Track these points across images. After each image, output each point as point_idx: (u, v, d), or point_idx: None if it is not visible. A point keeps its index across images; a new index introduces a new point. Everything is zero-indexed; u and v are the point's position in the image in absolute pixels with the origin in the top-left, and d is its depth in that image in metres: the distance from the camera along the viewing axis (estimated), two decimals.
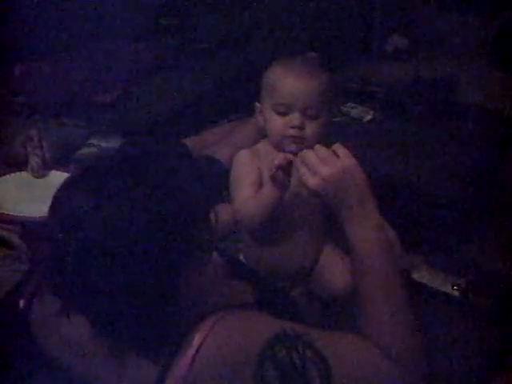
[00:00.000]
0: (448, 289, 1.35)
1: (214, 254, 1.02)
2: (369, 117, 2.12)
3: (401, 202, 1.62)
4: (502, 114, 2.15)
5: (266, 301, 1.07)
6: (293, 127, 1.27)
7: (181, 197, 0.91)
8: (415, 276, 1.37)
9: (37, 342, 1.03)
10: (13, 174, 1.57)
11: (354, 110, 2.14)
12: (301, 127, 1.27)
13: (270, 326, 0.93)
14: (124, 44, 2.25)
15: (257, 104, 1.35)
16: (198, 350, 0.89)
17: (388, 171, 1.79)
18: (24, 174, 1.57)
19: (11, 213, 1.42)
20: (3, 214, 1.42)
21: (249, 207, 1.28)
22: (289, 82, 1.28)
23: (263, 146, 1.36)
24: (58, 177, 1.51)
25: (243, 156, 1.34)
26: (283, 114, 1.28)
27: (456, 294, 1.34)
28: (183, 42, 2.38)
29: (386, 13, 2.73)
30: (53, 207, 0.91)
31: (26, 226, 1.39)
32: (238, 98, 2.07)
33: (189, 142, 1.72)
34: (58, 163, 1.70)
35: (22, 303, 1.06)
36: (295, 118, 1.27)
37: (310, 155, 1.03)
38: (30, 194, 1.49)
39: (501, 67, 2.45)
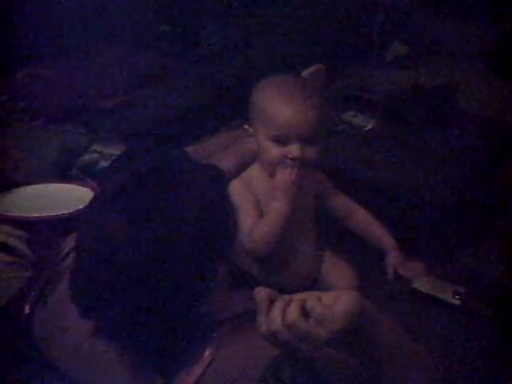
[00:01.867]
0: (449, 297, 1.35)
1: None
2: (370, 125, 2.12)
3: (401, 210, 1.62)
4: (503, 121, 2.15)
5: None
6: (293, 158, 1.25)
7: (209, 213, 0.91)
8: (415, 285, 1.37)
9: (38, 347, 1.04)
10: (21, 188, 1.55)
11: (355, 119, 2.14)
12: (300, 157, 1.25)
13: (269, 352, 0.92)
14: (125, 50, 2.25)
15: (247, 128, 1.33)
16: (208, 366, 0.90)
17: (389, 179, 1.80)
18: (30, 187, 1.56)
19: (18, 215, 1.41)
20: (10, 216, 1.40)
21: (261, 231, 1.27)
22: (287, 113, 1.24)
23: (255, 172, 1.35)
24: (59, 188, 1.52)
25: (236, 186, 1.32)
26: (280, 143, 1.26)
27: (457, 302, 1.34)
28: (184, 48, 2.38)
29: (386, 20, 2.73)
30: (83, 227, 0.91)
31: (33, 229, 1.38)
32: (240, 105, 2.07)
33: (190, 150, 1.72)
34: (60, 170, 1.71)
35: (27, 309, 1.07)
36: (295, 148, 1.25)
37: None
38: (37, 204, 1.49)
39: (501, 74, 2.45)
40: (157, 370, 0.93)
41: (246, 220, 1.28)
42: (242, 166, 1.41)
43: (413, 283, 1.37)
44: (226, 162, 1.68)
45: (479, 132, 2.03)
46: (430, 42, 2.75)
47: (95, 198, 0.95)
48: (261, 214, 1.29)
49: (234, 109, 2.12)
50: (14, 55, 1.98)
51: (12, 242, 1.34)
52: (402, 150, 1.93)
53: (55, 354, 1.01)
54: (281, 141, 1.26)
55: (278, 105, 1.26)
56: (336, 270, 1.37)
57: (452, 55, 2.63)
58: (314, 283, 1.36)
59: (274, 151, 1.27)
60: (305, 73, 1.71)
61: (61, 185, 1.58)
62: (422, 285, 1.37)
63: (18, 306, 1.12)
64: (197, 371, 0.90)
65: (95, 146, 1.83)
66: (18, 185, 1.54)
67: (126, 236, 0.85)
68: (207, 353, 0.91)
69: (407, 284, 1.38)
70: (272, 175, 1.29)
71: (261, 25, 2.48)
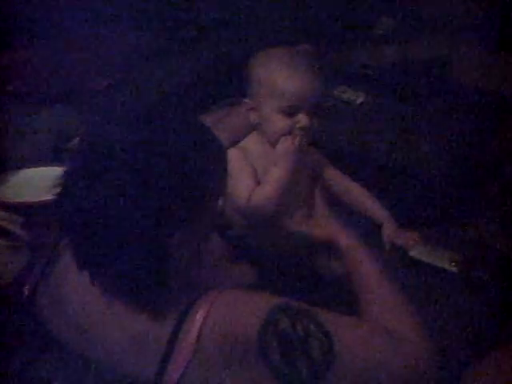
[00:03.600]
0: (446, 264, 1.36)
1: (217, 238, 1.03)
2: (360, 99, 2.12)
3: (397, 181, 1.63)
4: (493, 91, 2.16)
5: (270, 282, 1.09)
6: (301, 128, 1.29)
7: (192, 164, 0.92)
8: (412, 253, 1.38)
9: (41, 327, 1.04)
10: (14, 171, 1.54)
11: (346, 94, 2.14)
12: (309, 126, 1.30)
13: (273, 299, 0.94)
14: (117, 31, 2.23)
15: (246, 101, 1.36)
16: (201, 327, 0.90)
17: (382, 152, 1.81)
18: (22, 171, 1.55)
19: (14, 200, 1.40)
20: (6, 201, 1.40)
21: (263, 192, 1.29)
22: (297, 84, 1.29)
23: (253, 143, 1.37)
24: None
25: (234, 154, 1.34)
26: (289, 115, 1.30)
27: (454, 269, 1.35)
28: (176, 28, 2.37)
29: None
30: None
31: (28, 212, 1.38)
32: (233, 82, 2.07)
33: None
34: (52, 153, 1.70)
35: (26, 291, 1.07)
36: (304, 118, 1.30)
37: None
38: (30, 187, 1.48)
39: (491, 45, 2.45)
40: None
41: (246, 183, 1.30)
42: (235, 141, 1.42)
43: (410, 252, 1.38)
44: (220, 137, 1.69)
45: (470, 102, 2.04)
46: (418, 16, 2.75)
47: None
48: (258, 181, 1.30)
49: (227, 85, 2.12)
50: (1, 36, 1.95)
51: (9, 226, 1.34)
52: (393, 123, 1.95)
53: (59, 331, 1.02)
54: (290, 112, 1.30)
55: (287, 76, 1.29)
56: None
57: (440, 29, 2.62)
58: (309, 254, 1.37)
59: (284, 122, 1.30)
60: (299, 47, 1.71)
61: (53, 168, 1.57)
62: (420, 253, 1.38)
63: (17, 289, 1.12)
64: (198, 322, 0.91)
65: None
66: (9, 169, 1.53)
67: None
68: (199, 314, 0.92)
69: (405, 253, 1.39)
70: (275, 146, 1.33)
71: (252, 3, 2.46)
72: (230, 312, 0.92)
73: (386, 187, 1.57)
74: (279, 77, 1.29)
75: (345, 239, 1.13)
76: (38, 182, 1.50)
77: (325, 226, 1.20)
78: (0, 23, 1.91)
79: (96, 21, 2.15)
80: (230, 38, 2.33)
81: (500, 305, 1.29)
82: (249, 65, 1.35)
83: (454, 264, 1.36)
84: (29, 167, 1.55)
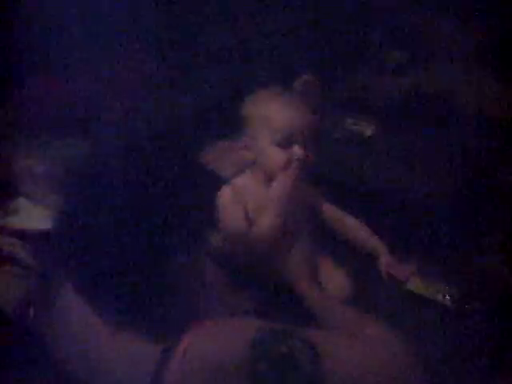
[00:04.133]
0: (440, 298, 1.37)
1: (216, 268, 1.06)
2: (370, 131, 2.15)
3: (397, 212, 1.64)
4: (503, 120, 2.17)
5: (266, 307, 1.12)
6: (297, 159, 1.36)
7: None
8: (409, 286, 1.40)
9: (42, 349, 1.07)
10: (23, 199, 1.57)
11: (355, 126, 2.17)
12: (304, 156, 1.36)
13: (255, 327, 0.98)
14: (128, 58, 2.28)
15: (245, 139, 1.43)
16: (185, 351, 0.94)
17: (387, 182, 1.83)
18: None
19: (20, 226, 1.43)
20: (13, 228, 1.43)
21: (265, 222, 1.33)
22: (290, 116, 1.38)
23: (246, 180, 1.42)
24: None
25: (225, 193, 1.39)
26: (284, 147, 1.37)
27: (448, 303, 1.36)
28: (187, 56, 2.41)
29: (385, 27, 2.75)
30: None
31: (39, 239, 1.41)
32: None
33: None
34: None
35: (31, 312, 1.11)
36: (299, 150, 1.37)
37: None
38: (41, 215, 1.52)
39: (500, 74, 2.46)
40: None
41: (240, 215, 1.34)
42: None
43: (407, 285, 1.40)
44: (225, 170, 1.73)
45: (478, 132, 2.05)
46: (429, 47, 2.77)
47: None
48: (248, 217, 1.34)
49: (235, 118, 2.16)
50: (17, 66, 2.01)
51: (18, 253, 1.38)
52: (401, 156, 1.96)
53: (60, 354, 1.05)
54: (285, 144, 1.37)
55: (279, 109, 1.39)
56: (331, 276, 1.40)
57: (451, 60, 2.64)
58: None
59: (279, 155, 1.38)
60: (296, 83, 1.75)
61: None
62: (416, 286, 1.39)
63: (22, 314, 1.16)
64: (183, 345, 0.94)
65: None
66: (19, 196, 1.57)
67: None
68: (195, 327, 0.96)
69: (402, 286, 1.40)
70: (271, 181, 1.37)
71: (259, 28, 2.50)
72: (212, 341, 0.96)
73: (386, 219, 1.59)
74: (272, 110, 1.38)
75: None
76: (44, 209, 1.54)
77: None
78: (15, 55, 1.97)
79: (106, 49, 2.20)
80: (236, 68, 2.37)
81: (496, 337, 1.30)
82: (243, 106, 1.44)
83: (448, 298, 1.37)
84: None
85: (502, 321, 1.33)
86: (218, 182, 1.34)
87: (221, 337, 0.96)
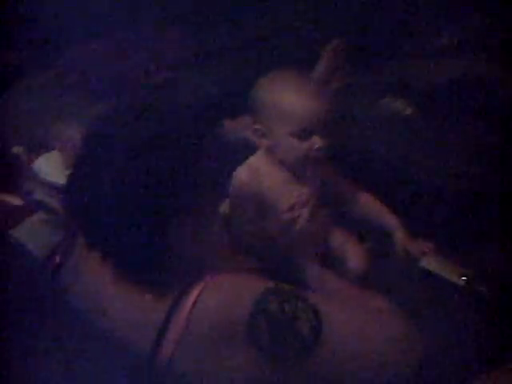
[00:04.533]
0: (455, 278, 1.37)
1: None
2: (407, 112, 2.14)
3: (420, 194, 1.65)
4: None
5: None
6: (317, 149, 1.31)
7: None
8: (423, 263, 1.40)
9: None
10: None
11: (393, 105, 2.16)
12: (325, 147, 1.32)
13: (263, 282, 1.01)
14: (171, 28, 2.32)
15: (257, 127, 1.36)
16: (192, 308, 0.98)
17: (417, 165, 1.83)
18: None
19: (52, 179, 1.49)
20: (45, 179, 1.49)
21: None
22: (305, 108, 1.30)
23: (262, 160, 1.39)
24: None
25: (242, 175, 1.38)
26: (303, 138, 1.31)
27: (462, 283, 1.36)
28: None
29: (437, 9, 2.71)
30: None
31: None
32: None
33: None
34: None
35: (57, 259, 1.17)
36: (318, 141, 1.31)
37: None
38: None
39: None
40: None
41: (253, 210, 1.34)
42: None
43: (421, 262, 1.41)
44: None
45: None
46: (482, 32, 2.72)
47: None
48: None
49: None
50: (66, 31, 2.08)
51: (49, 201, 1.45)
52: (435, 139, 1.96)
53: (76, 301, 1.11)
54: (303, 135, 1.31)
55: (296, 99, 1.30)
56: (346, 247, 1.41)
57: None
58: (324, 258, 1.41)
59: (300, 146, 1.32)
60: (328, 48, 1.74)
61: None
62: (430, 264, 1.39)
63: (51, 259, 1.22)
64: (190, 300, 0.98)
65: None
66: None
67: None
68: (191, 296, 0.99)
69: (416, 263, 1.41)
70: (289, 168, 1.36)
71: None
72: (220, 296, 0.99)
73: (408, 199, 1.60)
74: (288, 101, 1.30)
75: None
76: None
77: None
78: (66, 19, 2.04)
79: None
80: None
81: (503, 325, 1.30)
82: (255, 89, 1.36)
83: (463, 279, 1.37)
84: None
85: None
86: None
87: (228, 294, 1.00)
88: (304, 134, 1.30)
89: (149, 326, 1.01)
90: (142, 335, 1.01)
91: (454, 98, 2.18)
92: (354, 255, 1.40)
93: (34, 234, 1.30)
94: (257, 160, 1.40)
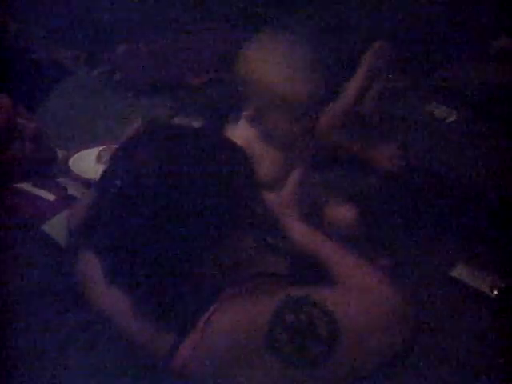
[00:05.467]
0: (486, 289, 1.34)
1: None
2: (452, 118, 2.10)
3: (457, 201, 1.62)
4: None
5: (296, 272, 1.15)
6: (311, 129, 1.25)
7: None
8: (453, 273, 1.38)
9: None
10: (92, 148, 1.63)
11: (438, 110, 2.13)
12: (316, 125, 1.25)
13: (278, 294, 1.00)
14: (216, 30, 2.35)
15: (246, 113, 1.24)
16: (207, 322, 0.98)
17: (454, 170, 1.79)
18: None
19: (86, 176, 1.49)
20: (78, 175, 1.50)
21: None
22: (301, 91, 1.19)
23: (253, 142, 1.27)
24: None
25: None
26: (298, 119, 1.22)
27: (493, 295, 1.33)
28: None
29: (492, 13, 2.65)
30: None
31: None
32: None
33: None
34: None
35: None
36: (313, 120, 1.24)
37: None
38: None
39: None
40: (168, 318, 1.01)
41: None
42: None
43: (451, 271, 1.38)
44: None
45: None
46: None
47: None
48: None
49: None
50: (115, 31, 2.14)
51: (78, 195, 1.47)
52: (478, 146, 1.91)
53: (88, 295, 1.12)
54: (299, 116, 1.22)
55: (291, 84, 1.18)
56: (338, 210, 1.37)
57: None
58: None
59: (294, 129, 1.24)
60: (370, 50, 1.72)
61: None
62: (460, 273, 1.37)
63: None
64: (206, 316, 0.98)
65: (177, 120, 1.95)
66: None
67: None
68: (219, 300, 1.00)
69: (445, 272, 1.39)
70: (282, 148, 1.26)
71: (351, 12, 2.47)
72: (236, 312, 0.99)
73: (445, 207, 1.57)
74: (281, 85, 1.18)
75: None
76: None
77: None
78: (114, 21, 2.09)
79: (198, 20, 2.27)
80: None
81: None
82: (239, 64, 1.22)
83: (495, 290, 1.34)
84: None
85: None
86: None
87: (245, 306, 1.00)
88: (299, 116, 1.21)
89: (164, 336, 1.01)
90: (156, 345, 1.01)
91: (500, 105, 2.14)
92: (346, 210, 1.36)
93: (63, 229, 1.32)
94: (247, 137, 1.26)
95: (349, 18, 2.42)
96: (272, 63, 1.19)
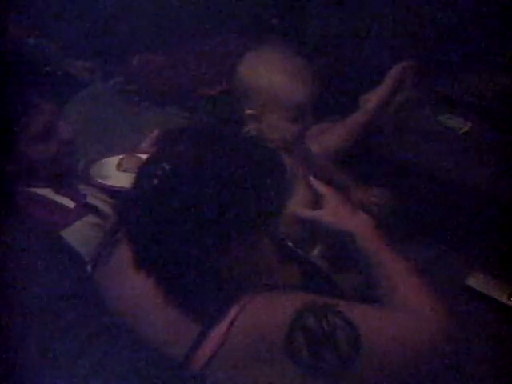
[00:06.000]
0: (504, 298, 1.34)
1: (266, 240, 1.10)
2: (465, 128, 2.10)
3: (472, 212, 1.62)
4: None
5: (311, 283, 1.15)
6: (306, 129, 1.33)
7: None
8: (470, 282, 1.38)
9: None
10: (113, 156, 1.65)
11: (451, 121, 2.13)
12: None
13: (301, 299, 1.00)
14: (233, 40, 2.36)
15: (249, 112, 1.33)
16: (231, 324, 0.98)
17: (473, 181, 1.80)
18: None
19: (107, 183, 1.52)
20: (99, 182, 1.53)
21: None
22: (304, 92, 1.30)
23: None
24: None
25: None
26: (295, 121, 1.32)
27: (511, 303, 1.33)
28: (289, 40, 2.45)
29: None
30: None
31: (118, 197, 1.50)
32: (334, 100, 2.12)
33: None
34: None
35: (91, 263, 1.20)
36: (310, 121, 1.33)
37: None
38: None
39: None
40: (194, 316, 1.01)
41: None
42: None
43: (467, 280, 1.38)
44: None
45: None
46: None
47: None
48: None
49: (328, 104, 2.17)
50: (132, 42, 2.16)
51: (100, 205, 1.48)
52: (493, 156, 1.91)
53: (109, 303, 1.12)
54: (297, 118, 1.32)
55: (289, 84, 1.29)
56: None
57: None
58: None
59: (294, 129, 1.33)
60: (396, 67, 1.74)
61: None
62: (477, 283, 1.37)
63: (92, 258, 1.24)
64: (229, 318, 0.98)
65: None
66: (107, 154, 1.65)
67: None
68: (233, 311, 0.99)
69: (461, 281, 1.39)
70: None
71: (366, 19, 2.48)
72: (257, 316, 0.99)
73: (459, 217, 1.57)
74: (280, 85, 1.29)
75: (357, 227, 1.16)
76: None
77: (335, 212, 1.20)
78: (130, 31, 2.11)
79: (213, 30, 2.29)
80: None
81: None
82: (239, 69, 1.34)
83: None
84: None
85: None
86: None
87: (266, 313, 0.99)
88: (298, 116, 1.31)
89: (183, 338, 1.01)
90: (176, 346, 1.01)
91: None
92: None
93: (82, 236, 1.34)
94: None
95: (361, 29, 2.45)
96: (271, 71, 1.30)
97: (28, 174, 1.37)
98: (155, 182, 0.96)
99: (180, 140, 0.99)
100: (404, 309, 1.05)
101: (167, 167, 0.96)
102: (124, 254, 1.08)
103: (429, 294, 1.06)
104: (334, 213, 1.20)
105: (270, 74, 1.31)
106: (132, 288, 1.08)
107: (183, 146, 0.97)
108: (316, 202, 1.24)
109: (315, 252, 1.33)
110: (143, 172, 1.00)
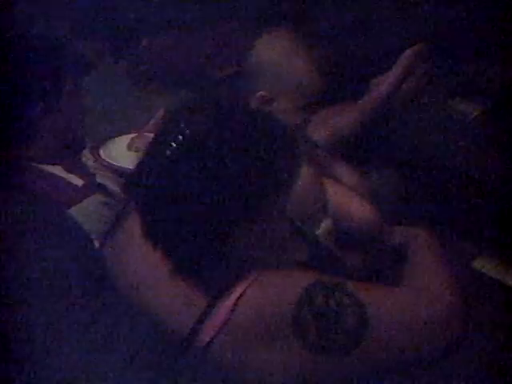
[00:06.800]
0: (509, 281, 1.34)
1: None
2: (476, 113, 2.09)
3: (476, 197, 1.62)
4: None
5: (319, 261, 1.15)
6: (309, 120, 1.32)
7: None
8: (476, 265, 1.37)
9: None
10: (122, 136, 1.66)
11: (462, 105, 2.12)
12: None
13: (308, 276, 1.01)
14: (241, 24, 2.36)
15: (262, 93, 1.33)
16: (239, 298, 0.98)
17: (482, 166, 1.79)
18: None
19: (115, 163, 1.53)
20: (109, 163, 1.53)
21: None
22: (320, 80, 1.32)
23: None
24: None
25: None
26: (303, 108, 1.34)
27: None
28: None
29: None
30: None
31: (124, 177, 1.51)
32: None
33: None
34: None
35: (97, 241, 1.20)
36: (316, 107, 1.34)
37: None
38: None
39: None
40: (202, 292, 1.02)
41: None
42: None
43: (473, 262, 1.38)
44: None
45: None
46: None
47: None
48: None
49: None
50: (140, 24, 2.16)
51: (110, 185, 1.50)
52: (503, 141, 1.90)
53: (116, 279, 1.13)
54: (306, 105, 1.33)
55: (310, 71, 1.32)
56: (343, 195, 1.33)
57: None
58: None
59: (300, 116, 1.34)
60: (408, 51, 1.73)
61: None
62: (484, 265, 1.37)
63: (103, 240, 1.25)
64: (237, 293, 0.99)
65: None
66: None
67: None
68: (239, 288, 1.00)
69: (467, 263, 1.38)
70: None
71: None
72: (265, 292, 0.99)
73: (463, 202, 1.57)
74: (301, 73, 1.31)
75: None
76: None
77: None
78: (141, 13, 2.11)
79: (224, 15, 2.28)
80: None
81: None
82: (253, 52, 1.35)
83: None
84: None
85: None
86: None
87: (273, 290, 0.99)
88: (312, 103, 1.33)
89: (189, 313, 1.01)
90: (181, 320, 1.02)
91: None
92: (356, 206, 1.34)
93: (90, 215, 1.34)
94: None
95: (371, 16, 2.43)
96: (287, 55, 1.33)
97: (37, 150, 1.38)
98: (168, 152, 0.96)
99: (192, 113, 0.99)
100: (414, 288, 1.05)
101: (180, 138, 0.95)
102: (133, 227, 1.09)
103: (440, 274, 1.06)
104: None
105: (286, 58, 1.32)
106: (140, 261, 1.09)
107: (197, 118, 0.97)
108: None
109: (321, 230, 1.32)
110: (156, 143, 1.00)
